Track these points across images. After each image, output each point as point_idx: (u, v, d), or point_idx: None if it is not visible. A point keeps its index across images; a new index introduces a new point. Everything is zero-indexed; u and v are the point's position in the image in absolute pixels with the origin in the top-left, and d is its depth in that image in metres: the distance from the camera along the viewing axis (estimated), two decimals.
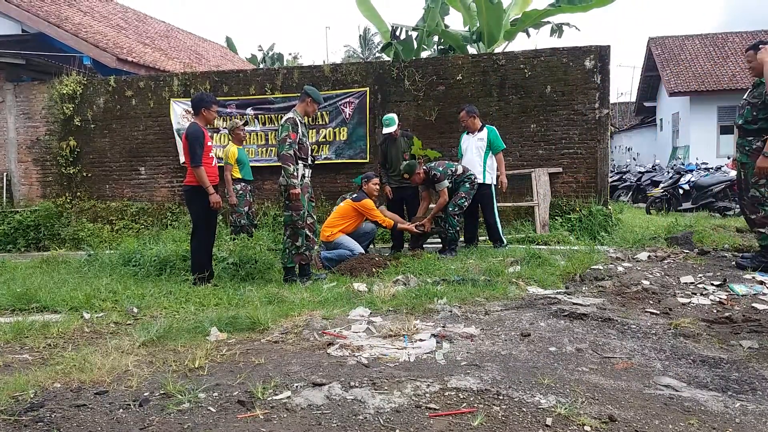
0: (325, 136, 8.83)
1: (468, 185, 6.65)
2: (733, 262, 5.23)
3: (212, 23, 79.14)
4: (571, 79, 8.09)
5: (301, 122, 5.46)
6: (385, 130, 6.95)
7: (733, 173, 9.00)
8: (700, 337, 3.38)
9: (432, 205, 6.83)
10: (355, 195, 6.52)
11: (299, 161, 5.39)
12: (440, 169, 6.58)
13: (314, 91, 5.58)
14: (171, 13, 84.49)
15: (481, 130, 6.88)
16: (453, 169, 6.64)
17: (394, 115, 7.06)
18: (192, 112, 5.97)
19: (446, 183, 6.55)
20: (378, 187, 6.61)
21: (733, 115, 16.32)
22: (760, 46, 4.85)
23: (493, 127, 6.99)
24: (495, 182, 6.89)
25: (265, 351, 3.26)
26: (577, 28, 11.30)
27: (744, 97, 5.26)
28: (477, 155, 6.82)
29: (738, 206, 5.84)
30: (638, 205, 13.96)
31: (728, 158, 14.06)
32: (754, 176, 4.99)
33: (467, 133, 7.02)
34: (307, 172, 5.57)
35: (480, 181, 6.75)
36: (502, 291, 4.56)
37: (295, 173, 5.32)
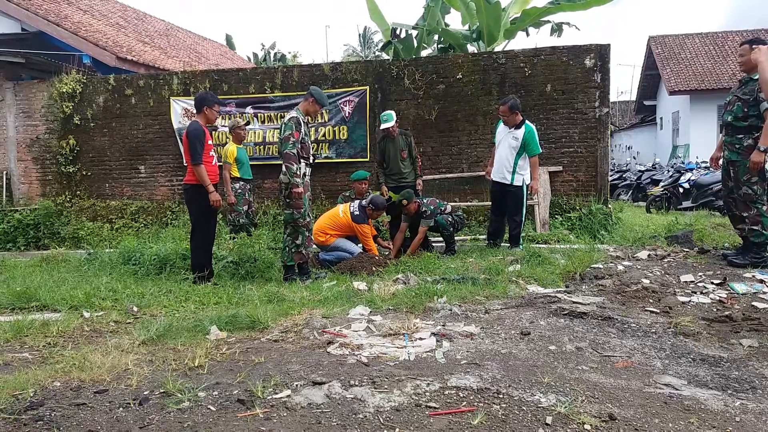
0: (324, 135, 8.83)
1: (458, 216, 6.72)
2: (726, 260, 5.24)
3: (212, 22, 79.20)
4: (571, 77, 8.09)
5: (303, 121, 5.45)
6: (383, 126, 6.89)
7: None
8: (700, 335, 3.38)
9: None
10: (358, 213, 6.28)
11: (301, 160, 5.39)
12: (431, 207, 6.52)
13: (319, 92, 5.54)
14: (171, 11, 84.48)
15: (519, 126, 6.31)
16: (443, 207, 6.63)
17: (392, 112, 7.00)
18: (194, 110, 5.96)
19: (430, 223, 6.48)
20: (378, 216, 6.56)
21: None
22: (754, 45, 4.82)
23: (533, 127, 6.38)
24: (526, 184, 6.40)
25: (265, 350, 3.26)
26: (576, 27, 11.33)
27: (732, 92, 5.23)
28: (509, 153, 6.32)
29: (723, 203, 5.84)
30: (638, 203, 13.97)
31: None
32: (747, 173, 4.99)
33: (503, 124, 6.48)
34: (308, 170, 5.57)
35: (507, 182, 6.39)
36: (502, 290, 4.56)
37: (298, 172, 5.32)
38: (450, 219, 6.61)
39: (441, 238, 6.94)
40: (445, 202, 6.82)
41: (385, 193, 6.94)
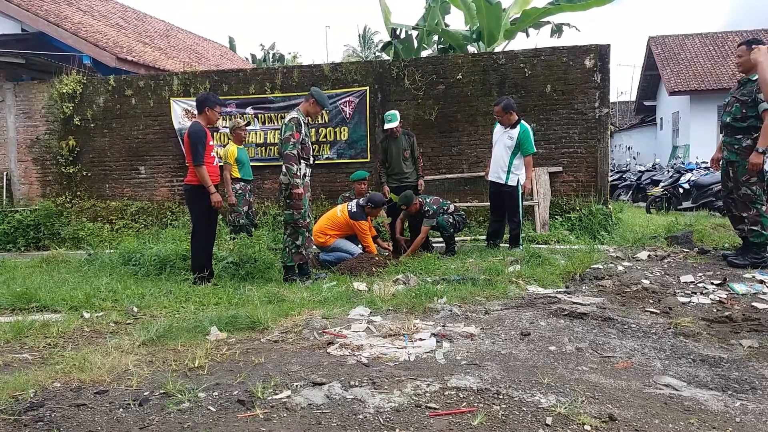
0: (325, 136, 8.83)
1: (459, 217, 6.73)
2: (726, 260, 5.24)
3: (212, 22, 79.15)
4: (571, 78, 8.09)
5: (304, 122, 5.46)
6: (387, 126, 6.88)
7: None
8: (700, 336, 3.38)
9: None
10: (355, 210, 6.28)
11: (301, 161, 5.39)
12: (434, 207, 6.53)
13: (320, 94, 5.53)
14: (170, 12, 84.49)
15: (515, 126, 6.35)
16: (445, 207, 6.64)
17: (396, 112, 6.99)
18: (195, 110, 5.96)
19: (432, 222, 6.49)
20: (377, 215, 6.56)
21: None
22: (754, 45, 4.82)
23: (528, 127, 6.41)
24: (521, 183, 6.41)
25: (265, 350, 3.26)
26: (577, 28, 11.32)
27: (731, 93, 5.24)
28: (504, 153, 6.37)
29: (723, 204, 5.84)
30: (638, 204, 13.97)
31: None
32: (746, 174, 4.99)
33: (499, 124, 6.56)
34: (308, 171, 5.58)
35: (502, 181, 6.43)
36: (502, 290, 4.56)
37: (298, 173, 5.32)
38: (451, 220, 6.61)
39: (441, 239, 6.95)
40: (449, 202, 6.82)
41: (387, 193, 6.94)
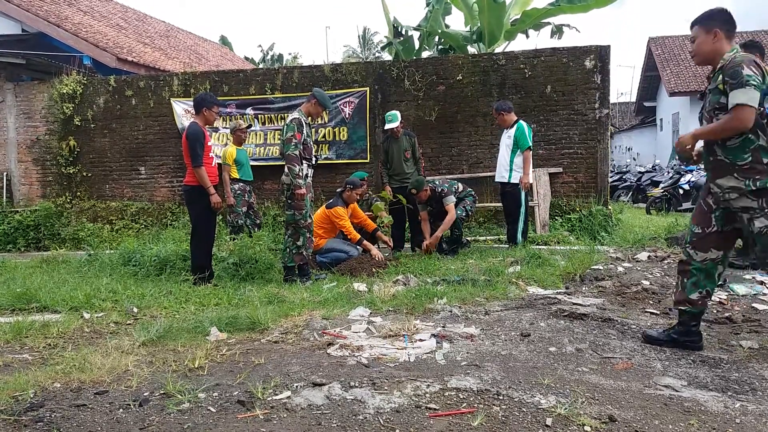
0: (324, 136, 8.83)
1: (471, 198, 6.79)
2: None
3: (212, 23, 79.06)
4: (571, 79, 8.10)
5: (305, 122, 5.46)
6: (388, 126, 6.92)
7: None
8: None
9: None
10: (331, 200, 6.34)
11: (303, 161, 5.40)
12: (445, 186, 6.60)
13: (322, 95, 5.52)
14: (170, 12, 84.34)
15: (513, 126, 6.53)
16: (456, 186, 6.70)
17: (397, 112, 7.04)
18: (193, 110, 5.95)
19: (453, 198, 6.52)
20: (358, 196, 6.53)
21: None
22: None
23: (524, 124, 6.52)
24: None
25: (265, 351, 3.26)
26: (577, 29, 11.35)
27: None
28: (505, 152, 6.55)
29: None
30: (638, 205, 13.98)
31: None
32: None
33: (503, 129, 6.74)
34: (310, 172, 5.58)
35: (505, 180, 6.52)
36: (502, 291, 4.56)
37: (300, 173, 5.32)
38: (466, 209, 6.65)
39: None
40: (456, 182, 6.83)
41: (389, 193, 6.95)
